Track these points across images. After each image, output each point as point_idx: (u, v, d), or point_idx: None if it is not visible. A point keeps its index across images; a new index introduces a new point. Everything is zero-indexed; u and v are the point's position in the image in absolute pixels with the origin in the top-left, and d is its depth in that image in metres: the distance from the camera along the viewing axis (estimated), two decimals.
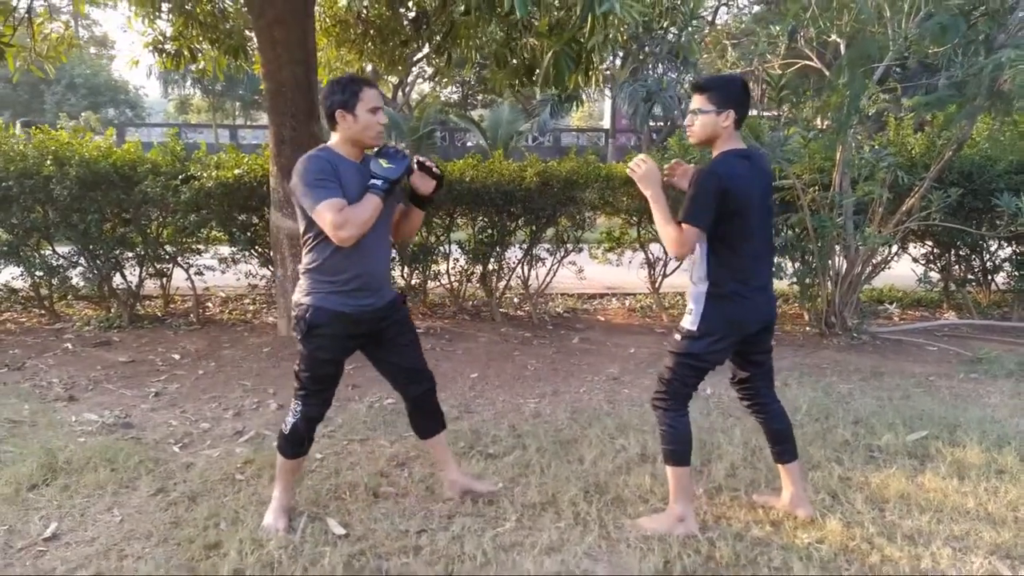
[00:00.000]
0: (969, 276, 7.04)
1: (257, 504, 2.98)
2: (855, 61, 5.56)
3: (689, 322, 2.65)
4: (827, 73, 5.92)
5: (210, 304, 7.11)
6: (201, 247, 6.52)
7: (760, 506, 2.99)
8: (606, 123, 33.41)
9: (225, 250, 6.43)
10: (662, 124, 22.74)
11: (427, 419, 3.00)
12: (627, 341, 5.88)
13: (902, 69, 9.69)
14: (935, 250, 7.00)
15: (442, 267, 6.63)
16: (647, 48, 4.61)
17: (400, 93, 30.56)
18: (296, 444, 2.80)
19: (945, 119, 5.87)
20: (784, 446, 2.87)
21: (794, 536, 2.76)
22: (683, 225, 2.55)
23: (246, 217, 6.22)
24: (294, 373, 2.76)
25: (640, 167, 2.66)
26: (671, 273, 6.89)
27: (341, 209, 2.46)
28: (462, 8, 6.38)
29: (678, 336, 2.70)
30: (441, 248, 6.57)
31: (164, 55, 6.73)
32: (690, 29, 4.66)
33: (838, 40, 5.88)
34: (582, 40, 4.01)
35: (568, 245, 6.68)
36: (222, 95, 34.58)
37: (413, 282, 6.70)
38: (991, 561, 2.60)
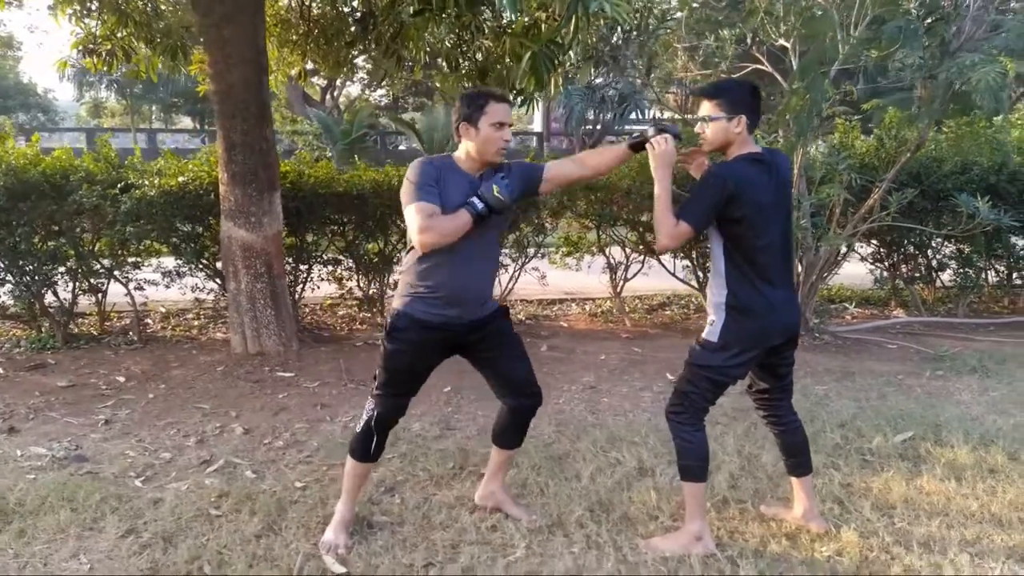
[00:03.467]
0: (916, 274, 7.23)
1: (241, 543, 2.74)
2: (811, 65, 5.62)
3: (710, 333, 2.56)
4: (779, 78, 5.97)
5: (150, 320, 6.69)
6: (139, 260, 6.11)
7: (771, 519, 2.92)
8: (536, 126, 33.49)
9: (169, 262, 6.04)
10: (591, 128, 22.91)
11: (515, 432, 2.91)
12: (595, 348, 5.79)
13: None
14: (881, 249, 7.18)
15: None
16: (619, 51, 4.51)
17: (328, 96, 29.94)
18: (367, 445, 2.73)
19: (898, 121, 6.00)
20: (799, 459, 2.80)
21: (812, 550, 2.69)
22: (679, 220, 2.47)
23: (191, 228, 5.86)
24: (374, 374, 2.72)
25: (660, 144, 2.55)
26: (632, 277, 6.84)
27: (430, 215, 2.45)
28: (411, 9, 6.20)
29: (698, 347, 2.60)
30: (400, 256, 6.34)
31: (95, 56, 6.29)
32: (660, 31, 4.60)
33: (785, 44, 5.93)
34: (560, 41, 3.89)
35: (530, 250, 6.55)
36: (140, 98, 33.18)
37: (371, 292, 6.46)
38: (1009, 566, 2.59)
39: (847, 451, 3.58)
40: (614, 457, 3.52)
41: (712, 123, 2.52)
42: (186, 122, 39.29)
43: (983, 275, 7.07)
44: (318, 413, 4.27)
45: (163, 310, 6.98)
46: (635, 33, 4.38)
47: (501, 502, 2.98)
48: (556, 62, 4.06)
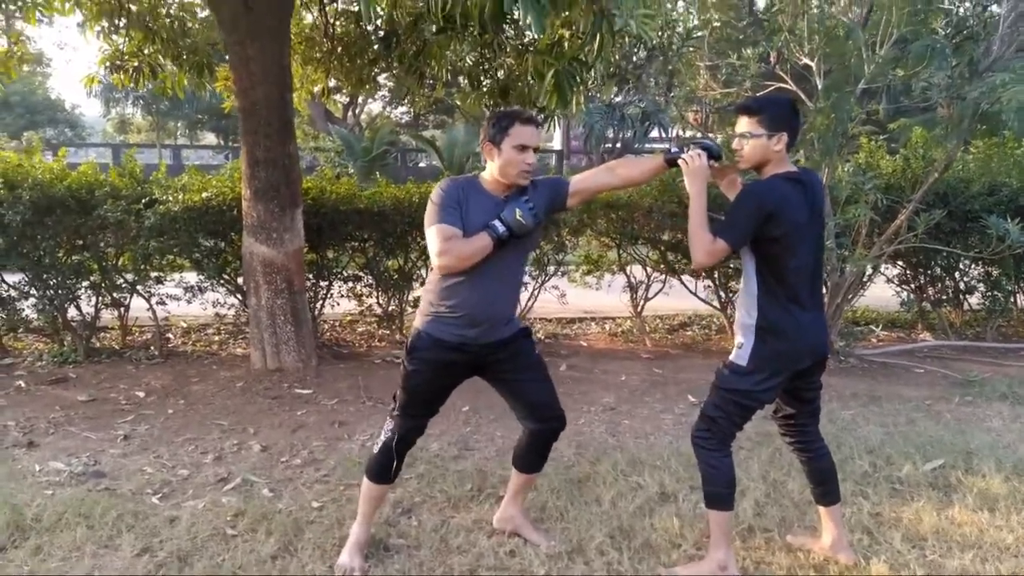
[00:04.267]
0: (943, 297, 7.10)
1: (257, 564, 2.71)
2: (837, 84, 5.57)
3: (739, 356, 2.50)
4: (804, 97, 5.91)
5: (171, 335, 6.71)
6: (161, 275, 6.14)
7: (798, 549, 2.84)
8: (555, 144, 33.49)
9: (191, 277, 6.07)
10: (611, 146, 22.89)
11: (537, 456, 2.86)
12: (615, 368, 5.73)
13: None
14: (907, 271, 7.06)
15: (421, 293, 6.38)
16: (643, 69, 4.50)
17: (350, 113, 30.21)
18: (384, 466, 2.69)
19: (925, 141, 5.91)
20: (827, 487, 2.73)
21: None
22: (716, 237, 2.42)
23: (213, 243, 5.88)
24: (394, 393, 2.71)
25: (694, 160, 2.51)
26: (653, 297, 6.78)
27: (448, 238, 2.44)
28: (434, 28, 6.24)
29: (726, 370, 2.54)
30: (420, 273, 6.33)
31: (123, 72, 6.37)
32: (684, 49, 4.57)
33: (809, 63, 5.87)
34: (584, 59, 3.87)
35: (550, 268, 6.51)
36: (166, 114, 33.66)
37: (390, 309, 6.44)
38: None
39: (876, 479, 3.49)
40: (635, 481, 3.45)
41: (752, 140, 2.47)
42: (211, 138, 39.81)
43: (1012, 298, 6.93)
44: (336, 431, 4.24)
45: (184, 325, 7.01)
46: (658, 51, 4.35)
47: (520, 526, 2.93)
48: (580, 79, 4.04)
